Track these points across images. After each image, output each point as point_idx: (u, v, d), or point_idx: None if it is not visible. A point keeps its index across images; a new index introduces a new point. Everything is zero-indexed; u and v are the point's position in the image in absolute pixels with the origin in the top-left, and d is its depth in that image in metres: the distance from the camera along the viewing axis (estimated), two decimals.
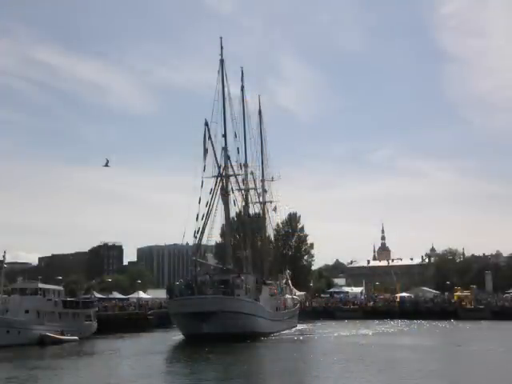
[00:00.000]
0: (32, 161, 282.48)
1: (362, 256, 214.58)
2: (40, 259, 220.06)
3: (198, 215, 61.48)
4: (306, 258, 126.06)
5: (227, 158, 65.99)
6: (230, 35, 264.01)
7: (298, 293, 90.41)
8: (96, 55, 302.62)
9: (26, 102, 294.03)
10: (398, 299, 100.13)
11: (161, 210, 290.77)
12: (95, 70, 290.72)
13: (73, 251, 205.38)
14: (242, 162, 72.13)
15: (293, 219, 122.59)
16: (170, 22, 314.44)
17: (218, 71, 66.40)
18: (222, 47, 66.98)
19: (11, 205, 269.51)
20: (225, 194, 64.79)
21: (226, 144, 65.56)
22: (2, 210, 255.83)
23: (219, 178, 64.50)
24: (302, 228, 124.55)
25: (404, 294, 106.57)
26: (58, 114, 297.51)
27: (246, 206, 73.19)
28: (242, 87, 75.42)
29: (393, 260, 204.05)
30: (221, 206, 64.61)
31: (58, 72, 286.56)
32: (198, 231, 61.64)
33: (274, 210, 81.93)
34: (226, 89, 65.85)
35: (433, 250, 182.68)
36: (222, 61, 66.63)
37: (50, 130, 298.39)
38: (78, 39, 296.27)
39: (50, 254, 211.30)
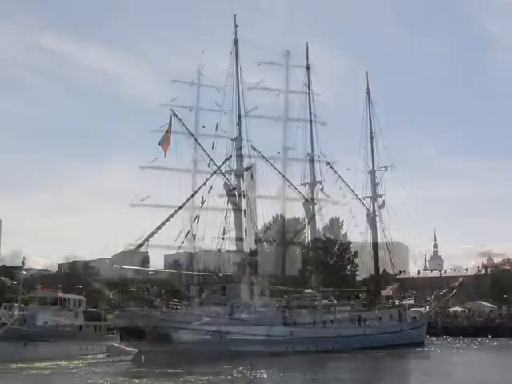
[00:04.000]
0: (36, 156, 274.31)
1: (412, 266, 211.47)
2: (60, 266, 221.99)
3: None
4: (349, 267, 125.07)
5: (253, 149, 64.83)
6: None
7: None
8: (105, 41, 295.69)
9: (30, 92, 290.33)
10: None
11: (192, 212, 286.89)
12: (105, 58, 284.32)
13: (95, 257, 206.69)
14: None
15: (335, 225, 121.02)
16: (183, 4, 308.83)
17: (231, 52, 65.29)
18: (236, 25, 65.98)
19: (22, 205, 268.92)
20: (233, 195, 64.28)
21: (240, 133, 64.40)
22: (14, 211, 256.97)
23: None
24: (345, 234, 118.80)
25: (457, 309, 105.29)
26: (64, 105, 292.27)
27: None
28: (308, 66, 73.90)
29: (445, 271, 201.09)
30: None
31: (63, 59, 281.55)
32: (223, 235, 62.94)
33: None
34: (239, 72, 64.59)
35: (490, 259, 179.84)
36: (235, 41, 65.77)
37: (56, 123, 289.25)
38: (84, 24, 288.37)
39: (70, 261, 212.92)
